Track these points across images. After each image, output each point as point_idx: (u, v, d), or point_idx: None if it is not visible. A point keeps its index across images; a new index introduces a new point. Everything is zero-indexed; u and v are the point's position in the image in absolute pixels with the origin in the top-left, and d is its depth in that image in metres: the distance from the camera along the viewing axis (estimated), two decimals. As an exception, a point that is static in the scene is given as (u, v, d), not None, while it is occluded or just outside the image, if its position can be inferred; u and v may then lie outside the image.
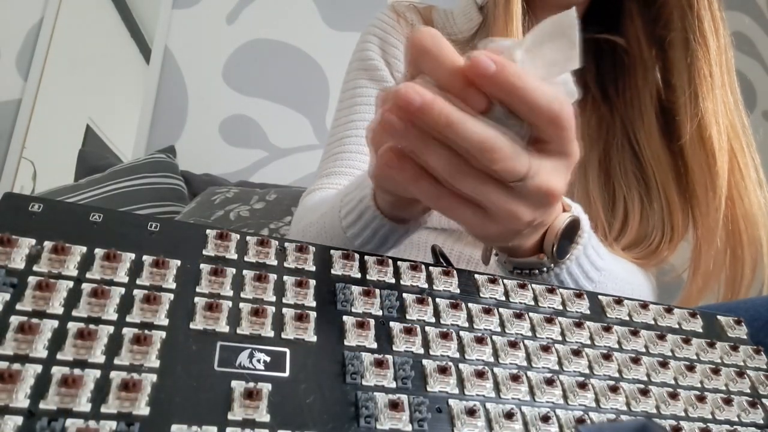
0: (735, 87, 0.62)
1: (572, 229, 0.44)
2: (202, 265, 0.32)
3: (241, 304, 0.31)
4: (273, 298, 0.32)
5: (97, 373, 0.25)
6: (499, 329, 0.36)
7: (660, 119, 0.67)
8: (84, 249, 0.30)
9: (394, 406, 0.28)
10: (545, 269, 0.44)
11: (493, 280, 0.38)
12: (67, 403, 0.24)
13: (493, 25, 0.64)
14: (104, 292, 0.28)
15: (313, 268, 0.35)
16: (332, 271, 0.35)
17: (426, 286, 0.37)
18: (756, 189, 0.61)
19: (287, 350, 0.29)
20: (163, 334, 0.28)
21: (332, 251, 0.36)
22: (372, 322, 0.32)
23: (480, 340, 0.34)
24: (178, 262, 0.31)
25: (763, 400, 0.38)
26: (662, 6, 0.65)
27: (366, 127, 0.39)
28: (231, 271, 0.32)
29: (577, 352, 0.36)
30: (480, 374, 0.32)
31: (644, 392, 0.35)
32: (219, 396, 0.26)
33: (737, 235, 0.60)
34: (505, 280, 0.39)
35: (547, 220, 0.41)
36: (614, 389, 0.34)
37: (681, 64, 0.62)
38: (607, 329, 0.38)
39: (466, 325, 0.35)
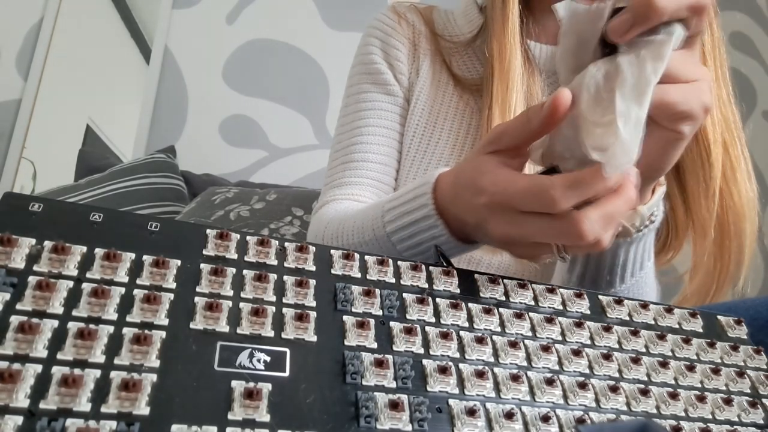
0: (728, 81, 0.62)
1: None
2: (202, 265, 0.32)
3: (242, 304, 0.31)
4: (273, 298, 0.32)
5: (97, 373, 0.25)
6: (499, 329, 0.36)
7: None
8: (84, 249, 0.30)
9: (394, 406, 0.28)
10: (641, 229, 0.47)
11: (493, 280, 0.38)
12: (67, 403, 0.24)
13: (492, 26, 0.64)
14: (104, 292, 0.28)
15: (314, 268, 0.35)
16: (332, 271, 0.35)
17: (426, 286, 0.37)
18: (746, 182, 0.61)
19: (287, 350, 0.29)
20: (163, 334, 0.28)
21: (332, 251, 0.36)
22: (372, 321, 0.32)
23: (480, 340, 0.34)
24: (178, 262, 0.31)
25: (763, 400, 0.38)
26: None
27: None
28: (231, 270, 0.32)
29: (577, 352, 0.36)
30: (480, 374, 0.32)
31: (644, 392, 0.35)
32: (219, 396, 0.26)
33: (726, 227, 0.60)
34: (505, 280, 0.39)
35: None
36: (614, 389, 0.34)
37: None
38: (607, 329, 0.38)
39: (466, 325, 0.35)
